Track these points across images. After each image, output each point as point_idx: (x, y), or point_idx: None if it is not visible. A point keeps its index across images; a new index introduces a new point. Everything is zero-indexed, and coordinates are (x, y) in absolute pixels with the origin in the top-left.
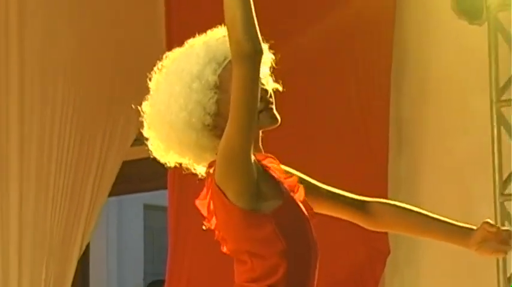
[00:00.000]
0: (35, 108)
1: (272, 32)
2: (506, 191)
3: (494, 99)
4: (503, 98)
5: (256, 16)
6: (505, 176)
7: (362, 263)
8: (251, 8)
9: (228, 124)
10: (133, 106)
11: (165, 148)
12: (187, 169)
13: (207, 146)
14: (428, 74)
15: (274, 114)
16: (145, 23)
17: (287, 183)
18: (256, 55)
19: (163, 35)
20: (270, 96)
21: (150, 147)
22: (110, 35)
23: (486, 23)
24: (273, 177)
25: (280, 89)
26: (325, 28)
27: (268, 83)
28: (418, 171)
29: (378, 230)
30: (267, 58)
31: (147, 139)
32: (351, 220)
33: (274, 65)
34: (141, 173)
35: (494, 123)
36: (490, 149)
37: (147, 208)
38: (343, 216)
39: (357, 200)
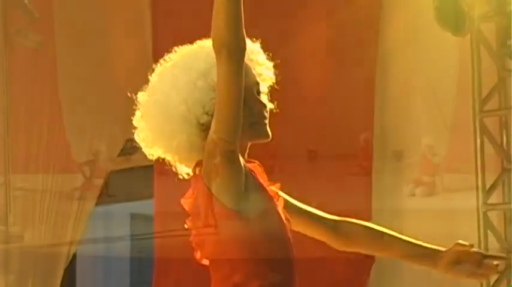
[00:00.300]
0: (22, 113)
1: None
2: (489, 201)
3: (477, 110)
4: (485, 108)
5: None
6: (488, 186)
7: (347, 271)
8: (239, 2)
9: (214, 120)
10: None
11: (152, 140)
12: (170, 164)
13: (197, 145)
14: (412, 85)
15: (267, 130)
16: (133, 36)
17: (270, 190)
18: (238, 47)
19: (150, 48)
20: (266, 111)
21: (136, 137)
22: (100, 45)
23: (469, 35)
24: (258, 181)
25: (274, 109)
26: (309, 39)
27: (266, 100)
28: (402, 181)
29: (347, 250)
30: (268, 76)
31: (134, 142)
32: (321, 238)
33: (275, 86)
34: (128, 183)
35: (477, 133)
36: (473, 158)
37: (134, 217)
38: (313, 234)
39: (328, 219)
